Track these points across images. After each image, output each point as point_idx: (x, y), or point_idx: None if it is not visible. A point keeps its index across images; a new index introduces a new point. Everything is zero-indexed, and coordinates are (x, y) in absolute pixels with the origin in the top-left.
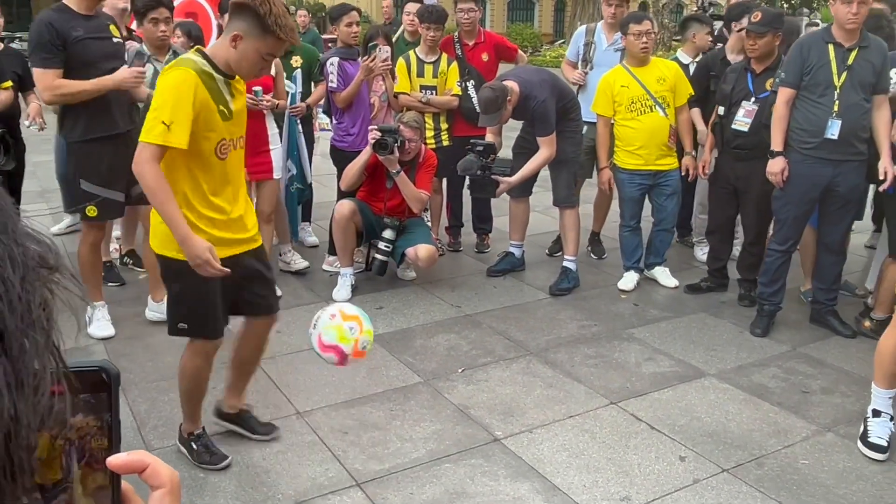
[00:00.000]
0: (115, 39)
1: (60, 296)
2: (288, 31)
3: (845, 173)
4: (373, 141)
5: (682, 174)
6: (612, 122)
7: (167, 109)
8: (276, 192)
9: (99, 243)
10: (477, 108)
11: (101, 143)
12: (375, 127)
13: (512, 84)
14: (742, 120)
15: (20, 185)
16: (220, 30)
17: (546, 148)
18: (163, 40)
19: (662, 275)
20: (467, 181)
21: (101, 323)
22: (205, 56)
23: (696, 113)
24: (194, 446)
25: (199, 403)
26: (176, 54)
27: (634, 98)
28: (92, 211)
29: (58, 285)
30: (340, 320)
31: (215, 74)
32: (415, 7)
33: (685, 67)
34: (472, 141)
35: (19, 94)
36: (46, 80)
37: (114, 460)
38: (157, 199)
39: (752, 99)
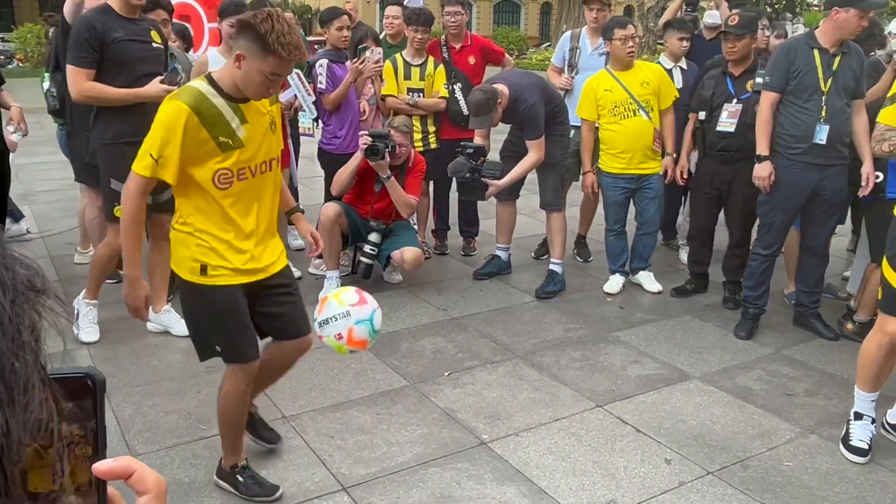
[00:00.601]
0: (154, 44)
1: (47, 318)
2: (292, 49)
3: (831, 177)
4: (364, 146)
5: (661, 174)
6: (597, 125)
7: (157, 144)
8: None
9: (119, 246)
10: (464, 110)
11: (133, 146)
12: (366, 132)
13: (502, 87)
14: (727, 121)
15: (7, 190)
16: (213, 34)
17: (535, 151)
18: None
19: (647, 280)
20: (455, 183)
21: (88, 329)
22: (212, 82)
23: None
24: (240, 479)
25: (241, 433)
26: (173, 56)
27: (617, 102)
28: (119, 211)
29: (44, 307)
30: (345, 343)
31: (221, 103)
32: (395, 10)
33: (668, 73)
34: (461, 143)
35: None
36: (79, 78)
37: (100, 466)
38: (124, 231)
39: (735, 101)
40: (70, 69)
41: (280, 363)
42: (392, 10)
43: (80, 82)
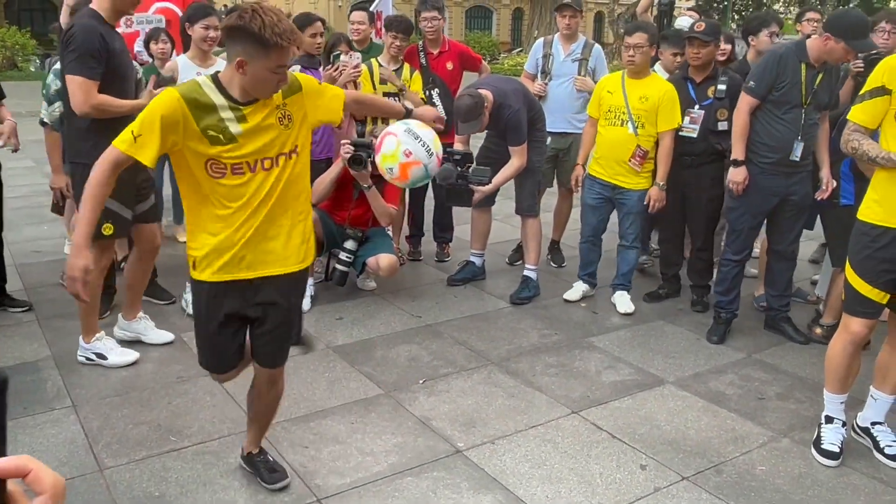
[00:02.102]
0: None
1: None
2: (289, 35)
3: (798, 183)
4: (346, 156)
5: (644, 203)
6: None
7: (139, 123)
8: None
9: (108, 266)
10: (442, 115)
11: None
12: (348, 142)
13: (486, 92)
14: (689, 126)
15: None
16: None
17: (517, 158)
18: None
19: (620, 300)
20: (430, 189)
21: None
22: (216, 81)
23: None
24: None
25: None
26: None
27: (612, 107)
28: (108, 229)
29: None
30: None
31: (220, 99)
32: (361, 15)
33: None
34: (447, 150)
35: None
36: (90, 90)
37: None
38: (85, 195)
39: (696, 107)
40: (78, 81)
41: (256, 392)
42: (357, 16)
43: (93, 95)
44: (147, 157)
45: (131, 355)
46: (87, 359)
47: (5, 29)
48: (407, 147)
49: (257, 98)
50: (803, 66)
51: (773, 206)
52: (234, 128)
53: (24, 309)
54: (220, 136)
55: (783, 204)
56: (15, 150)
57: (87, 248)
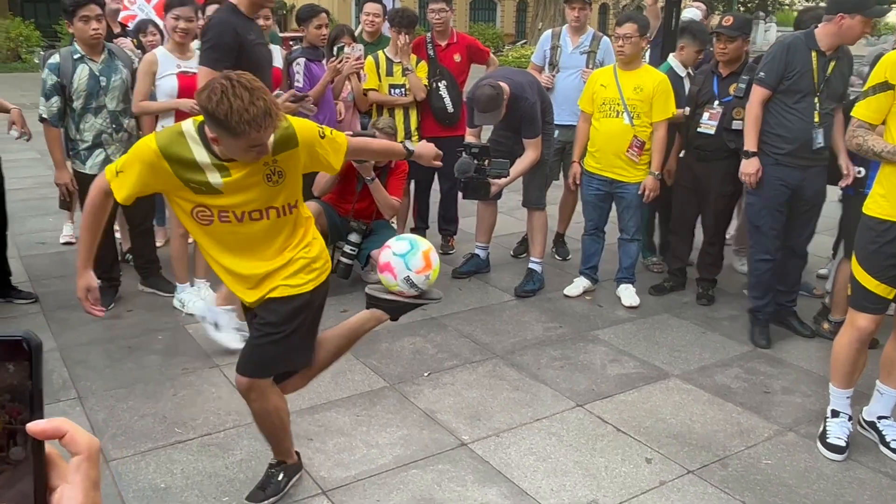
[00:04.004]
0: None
1: None
2: (260, 121)
3: (811, 178)
4: None
5: (640, 192)
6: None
7: (124, 160)
8: None
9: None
10: (449, 108)
11: None
12: (351, 133)
13: (503, 84)
14: (708, 123)
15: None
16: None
17: (533, 150)
18: (95, 39)
19: (625, 293)
20: (437, 182)
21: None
22: (202, 133)
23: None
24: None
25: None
26: (111, 54)
27: (607, 99)
28: None
29: None
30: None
31: (202, 154)
32: (375, 7)
33: (679, 80)
34: (465, 143)
35: None
36: None
37: (33, 426)
38: (83, 221)
39: (716, 102)
40: (204, 71)
41: None
42: (372, 7)
43: None
44: (121, 196)
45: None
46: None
47: (9, 20)
48: (401, 290)
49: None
50: (814, 53)
51: (786, 199)
52: (216, 180)
53: (29, 301)
54: (203, 188)
55: (796, 199)
56: (29, 139)
57: (89, 269)
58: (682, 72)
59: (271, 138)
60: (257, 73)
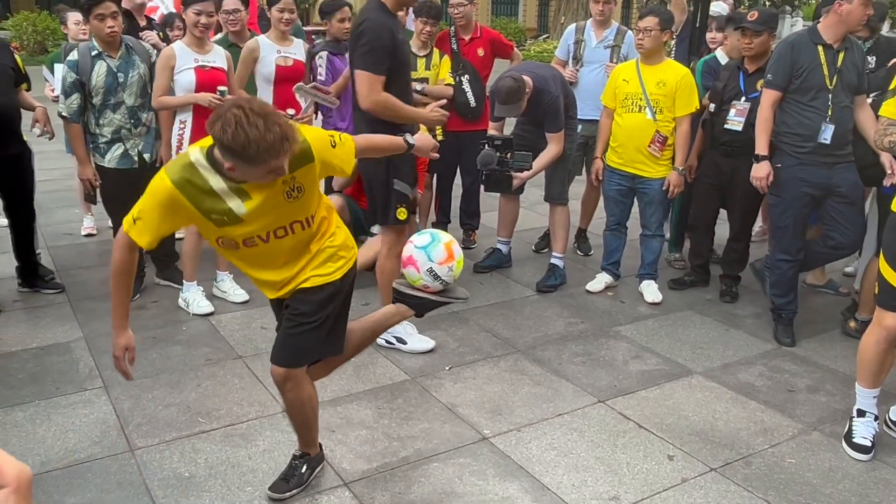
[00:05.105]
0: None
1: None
2: (275, 147)
3: (839, 174)
4: None
5: (664, 188)
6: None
7: (139, 207)
8: None
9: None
10: (471, 102)
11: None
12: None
13: (526, 78)
14: (735, 119)
15: (31, 188)
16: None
17: (555, 144)
18: (111, 37)
19: (647, 289)
20: (459, 177)
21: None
22: (211, 158)
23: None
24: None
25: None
26: (129, 49)
27: (629, 94)
28: (402, 213)
29: None
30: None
31: (217, 182)
32: None
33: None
34: (488, 136)
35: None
36: (375, 86)
37: None
38: (112, 282)
39: (743, 98)
40: (364, 76)
41: None
42: None
43: (377, 90)
44: (144, 242)
45: (429, 343)
46: (387, 342)
47: (37, 14)
48: (426, 283)
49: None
50: (820, 48)
51: (816, 200)
52: (239, 207)
53: (56, 291)
54: (225, 218)
55: (829, 197)
56: (51, 138)
57: (126, 328)
58: (726, 62)
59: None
60: (405, 72)
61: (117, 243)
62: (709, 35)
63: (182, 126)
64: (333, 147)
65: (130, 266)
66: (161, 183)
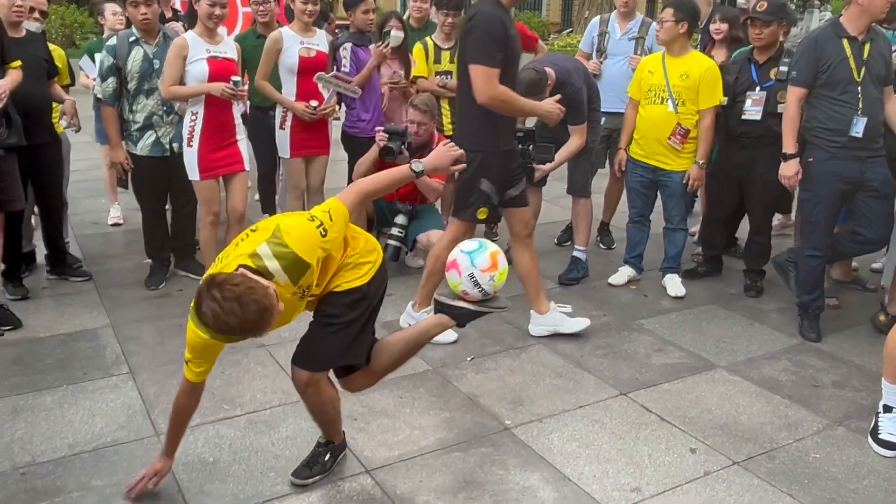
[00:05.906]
0: None
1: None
2: (262, 324)
3: (872, 168)
4: (380, 144)
5: (683, 182)
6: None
7: (189, 348)
8: (246, 185)
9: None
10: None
11: (509, 154)
12: (382, 129)
13: (549, 70)
14: (752, 109)
15: (60, 179)
16: (246, 18)
17: (577, 137)
18: (144, 23)
19: (670, 283)
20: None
21: None
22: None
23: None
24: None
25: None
26: (167, 37)
27: (653, 86)
28: (483, 213)
29: None
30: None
31: None
32: None
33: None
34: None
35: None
36: (492, 79)
37: None
38: (172, 417)
39: (758, 88)
40: (480, 69)
41: None
42: None
43: (493, 84)
44: (201, 378)
45: (451, 334)
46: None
47: (65, 7)
48: (465, 289)
49: None
50: (845, 41)
51: (847, 195)
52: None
53: (84, 279)
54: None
55: (861, 191)
56: (77, 130)
57: (171, 459)
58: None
59: (283, 274)
60: (513, 67)
61: (179, 393)
62: (713, 27)
63: (194, 118)
64: (324, 235)
65: (192, 406)
66: (195, 336)
